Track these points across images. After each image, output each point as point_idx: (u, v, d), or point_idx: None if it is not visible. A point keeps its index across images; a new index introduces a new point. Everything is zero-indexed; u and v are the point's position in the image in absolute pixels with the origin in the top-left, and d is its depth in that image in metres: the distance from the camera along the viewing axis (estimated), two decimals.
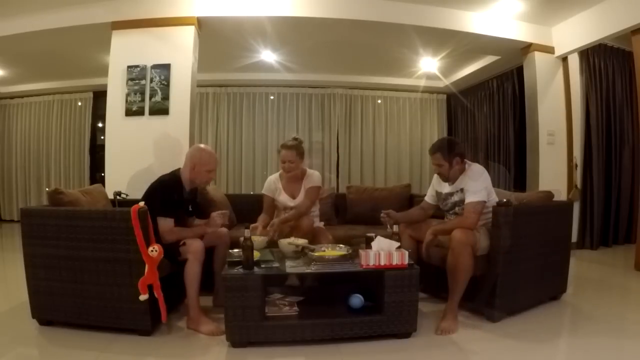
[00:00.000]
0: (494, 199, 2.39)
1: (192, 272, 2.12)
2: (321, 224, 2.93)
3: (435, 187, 2.60)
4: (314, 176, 2.84)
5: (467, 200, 2.27)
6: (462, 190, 2.37)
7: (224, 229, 2.43)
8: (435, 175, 2.56)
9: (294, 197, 2.82)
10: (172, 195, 2.23)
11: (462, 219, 2.25)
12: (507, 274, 2.24)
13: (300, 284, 2.52)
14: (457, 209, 2.44)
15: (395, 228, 2.23)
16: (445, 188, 2.50)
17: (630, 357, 1.89)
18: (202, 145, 2.42)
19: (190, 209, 2.44)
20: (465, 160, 2.43)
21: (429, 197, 2.64)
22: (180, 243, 2.20)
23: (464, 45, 4.31)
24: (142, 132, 3.65)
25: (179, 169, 2.36)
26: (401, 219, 2.49)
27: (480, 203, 2.25)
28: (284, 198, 2.82)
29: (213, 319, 2.19)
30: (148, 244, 1.99)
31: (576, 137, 4.41)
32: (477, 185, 2.28)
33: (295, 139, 2.81)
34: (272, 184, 2.89)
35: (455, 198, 2.43)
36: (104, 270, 2.03)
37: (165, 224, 2.18)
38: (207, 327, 2.11)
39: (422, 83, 6.40)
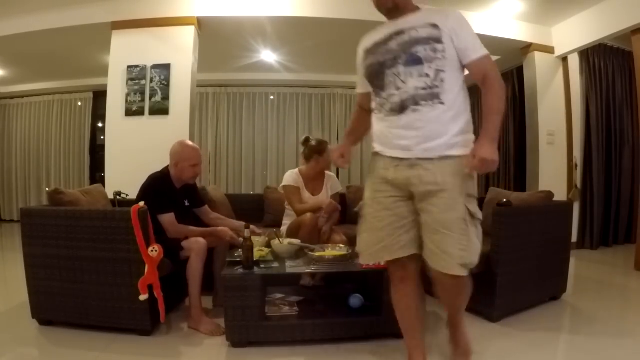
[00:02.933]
0: None
1: (194, 271, 2.12)
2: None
3: (361, 57, 1.57)
4: (336, 180, 3.00)
5: (473, 57, 1.40)
6: (434, 26, 1.39)
7: (226, 229, 2.38)
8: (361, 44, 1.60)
9: (314, 194, 2.90)
10: (164, 191, 2.24)
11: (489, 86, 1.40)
12: (507, 274, 2.24)
13: (311, 284, 2.54)
14: (419, 67, 1.39)
15: None
16: (380, 32, 1.51)
17: (630, 357, 1.88)
18: (183, 141, 2.40)
19: (187, 203, 2.43)
20: None
21: (361, 85, 1.63)
22: (182, 239, 2.21)
23: None
24: (142, 132, 3.65)
25: (168, 167, 2.36)
26: (347, 145, 1.71)
27: (488, 56, 1.43)
28: (306, 195, 2.87)
29: (214, 319, 2.18)
30: (148, 244, 1.99)
31: (576, 137, 4.42)
32: (472, 33, 1.43)
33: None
34: (294, 176, 2.89)
35: (413, 35, 1.40)
36: (104, 270, 2.03)
37: (167, 219, 2.19)
38: (207, 326, 2.11)
39: None
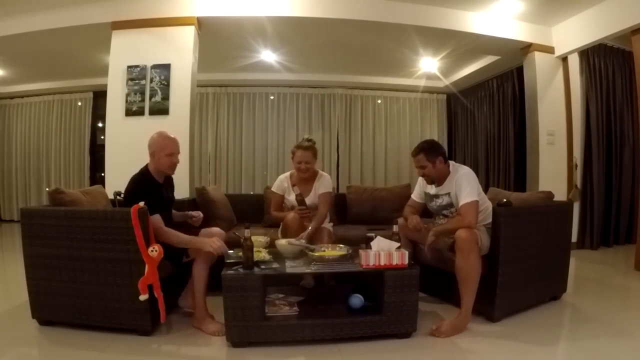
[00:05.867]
0: (484, 198, 2.41)
1: (200, 273, 2.11)
2: (329, 225, 2.92)
3: (422, 187, 2.59)
4: (326, 180, 2.86)
5: (461, 203, 2.24)
6: (449, 194, 2.35)
7: (209, 240, 2.12)
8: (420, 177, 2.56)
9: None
10: (147, 191, 2.15)
11: (461, 219, 2.23)
12: (507, 274, 2.24)
13: (315, 284, 2.54)
14: (445, 211, 2.43)
15: (395, 228, 2.23)
16: (431, 189, 2.49)
17: (630, 357, 1.88)
18: (162, 131, 2.34)
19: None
20: (449, 161, 2.41)
21: (416, 195, 2.63)
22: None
23: (464, 45, 4.31)
24: (142, 132, 3.60)
25: (147, 164, 2.31)
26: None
27: (474, 203, 2.22)
28: (293, 198, 2.81)
29: (216, 321, 2.16)
30: (148, 244, 1.99)
31: (576, 137, 4.41)
32: (469, 187, 2.25)
33: (309, 140, 2.82)
34: (282, 182, 2.90)
35: (442, 201, 2.41)
36: (104, 270, 2.03)
37: (153, 221, 2.09)
38: (210, 327, 2.11)
39: (422, 83, 6.39)
